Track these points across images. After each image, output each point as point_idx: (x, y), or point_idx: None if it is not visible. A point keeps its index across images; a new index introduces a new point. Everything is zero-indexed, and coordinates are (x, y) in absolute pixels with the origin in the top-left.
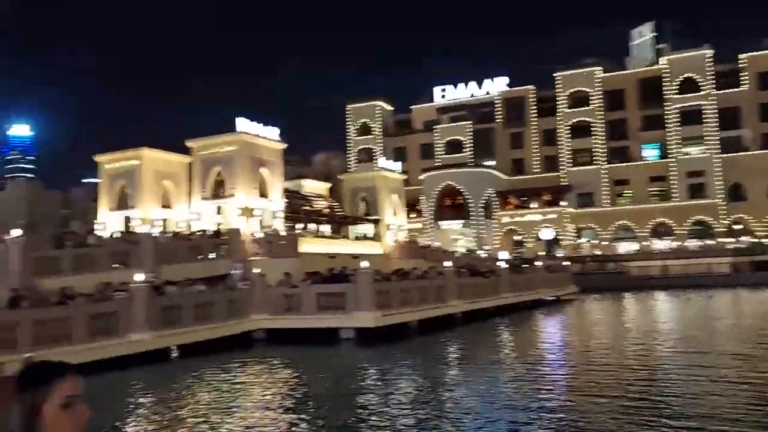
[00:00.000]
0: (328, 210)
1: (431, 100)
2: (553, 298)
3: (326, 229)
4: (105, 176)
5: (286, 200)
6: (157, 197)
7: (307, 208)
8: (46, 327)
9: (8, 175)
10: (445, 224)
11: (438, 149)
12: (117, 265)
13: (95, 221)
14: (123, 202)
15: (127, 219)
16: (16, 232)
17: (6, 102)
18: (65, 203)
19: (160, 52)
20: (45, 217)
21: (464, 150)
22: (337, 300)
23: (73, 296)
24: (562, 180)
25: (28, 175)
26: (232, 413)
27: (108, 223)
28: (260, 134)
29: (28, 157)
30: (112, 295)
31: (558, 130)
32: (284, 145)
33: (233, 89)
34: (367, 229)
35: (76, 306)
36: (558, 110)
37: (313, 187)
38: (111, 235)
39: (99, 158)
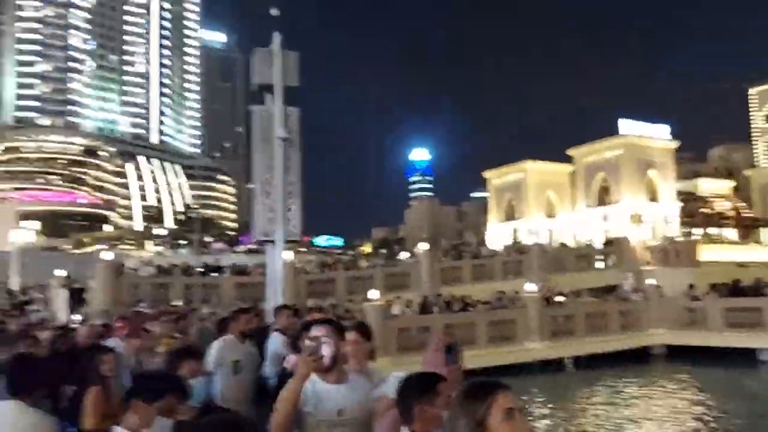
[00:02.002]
0: (732, 212)
1: None
2: None
3: (731, 233)
4: (493, 190)
5: (680, 203)
6: (541, 207)
7: (706, 210)
8: (452, 331)
9: (413, 195)
10: None
11: None
12: (510, 275)
13: (486, 233)
14: (510, 214)
15: (515, 230)
16: (423, 246)
17: (408, 127)
18: (459, 217)
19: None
20: (442, 231)
21: None
22: (752, 316)
23: (473, 304)
24: None
25: (428, 193)
26: (624, 428)
27: (497, 234)
28: (646, 134)
29: (427, 178)
30: (508, 303)
31: None
32: (675, 144)
33: (608, 89)
34: None
35: (478, 313)
36: None
37: (711, 186)
38: (502, 246)
39: (487, 174)
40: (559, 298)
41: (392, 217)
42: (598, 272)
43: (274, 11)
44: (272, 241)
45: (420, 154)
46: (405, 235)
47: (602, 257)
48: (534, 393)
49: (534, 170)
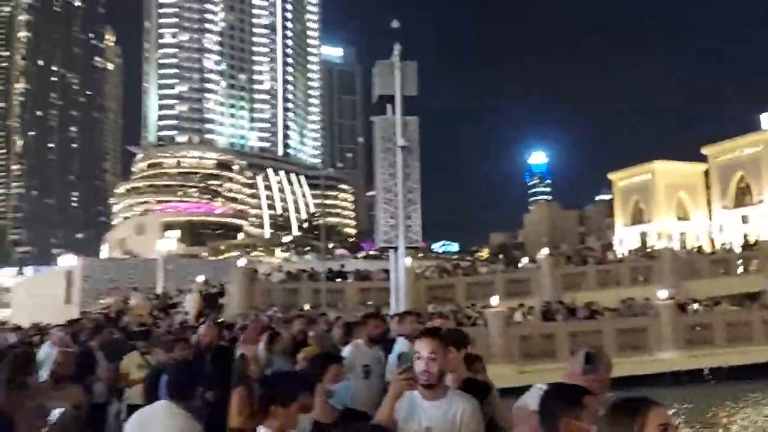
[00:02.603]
0: None
1: None
2: None
3: None
4: (618, 192)
5: None
6: (672, 209)
7: None
8: (577, 339)
9: (531, 199)
10: None
11: None
12: (638, 281)
13: (611, 237)
14: (638, 217)
15: (643, 234)
16: (545, 251)
17: (525, 130)
18: (580, 221)
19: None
20: (563, 236)
21: None
22: None
23: (599, 311)
24: None
25: (547, 197)
26: None
27: (624, 238)
28: None
29: (545, 182)
30: (638, 311)
31: None
32: None
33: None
34: None
35: (605, 320)
36: None
37: None
38: (629, 251)
39: (612, 175)
40: (695, 306)
41: (510, 222)
42: (738, 278)
43: (395, 24)
44: (394, 248)
45: (538, 158)
46: (524, 240)
47: (742, 262)
48: (675, 407)
49: (663, 170)
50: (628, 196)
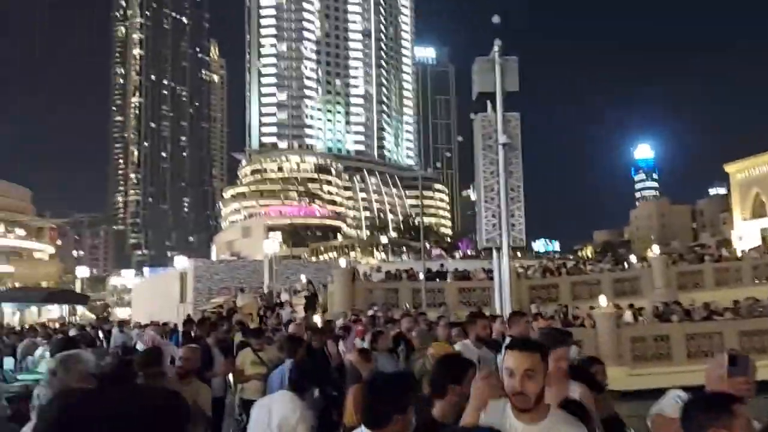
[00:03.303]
0: None
1: None
2: None
3: None
4: (736, 185)
5: None
6: None
7: None
8: (694, 341)
9: (638, 195)
10: None
11: None
12: (762, 280)
13: (728, 233)
14: (759, 211)
15: (765, 230)
16: (655, 249)
17: (630, 125)
18: (692, 216)
19: None
20: (673, 232)
21: None
22: None
23: (719, 311)
24: None
25: (654, 192)
26: None
27: (744, 234)
28: None
29: (652, 176)
30: (762, 312)
31: None
32: None
33: None
34: None
35: (725, 322)
36: None
37: None
38: (748, 249)
39: (729, 167)
40: None
41: (614, 219)
42: None
43: (495, 19)
44: (498, 248)
45: (643, 151)
46: (631, 238)
47: None
48: None
49: None
50: (748, 189)
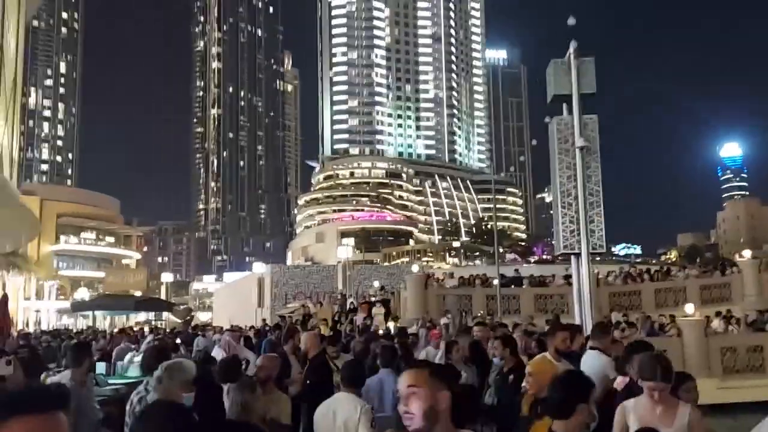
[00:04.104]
0: None
1: None
2: None
3: None
4: None
5: None
6: None
7: None
8: None
9: (725, 196)
10: None
11: None
12: None
13: None
14: None
15: None
16: (746, 253)
17: (715, 123)
18: None
19: None
20: (765, 234)
21: None
22: None
23: None
24: None
25: (743, 193)
26: None
27: None
28: None
29: (741, 176)
30: None
31: None
32: None
33: None
34: None
35: None
36: None
37: None
38: None
39: None
40: None
41: (701, 221)
42: None
43: (571, 20)
44: (577, 254)
45: (731, 150)
46: (718, 241)
47: None
48: None
49: None
50: None
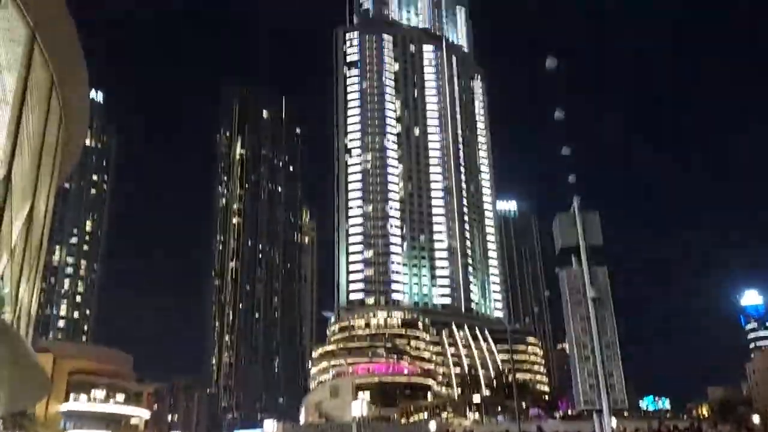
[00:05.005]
0: None
1: None
2: None
3: None
4: None
5: None
6: None
7: None
8: None
9: (752, 346)
10: None
11: None
12: None
13: None
14: None
15: None
16: None
17: (735, 270)
18: None
19: None
20: None
21: None
22: None
23: None
24: None
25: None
26: None
27: None
28: None
29: (765, 324)
30: None
31: None
32: None
33: None
34: None
35: None
36: None
37: None
38: None
39: None
40: None
41: (729, 371)
42: None
43: (571, 178)
44: (598, 410)
45: (751, 298)
46: (751, 394)
47: None
48: None
49: None
50: None
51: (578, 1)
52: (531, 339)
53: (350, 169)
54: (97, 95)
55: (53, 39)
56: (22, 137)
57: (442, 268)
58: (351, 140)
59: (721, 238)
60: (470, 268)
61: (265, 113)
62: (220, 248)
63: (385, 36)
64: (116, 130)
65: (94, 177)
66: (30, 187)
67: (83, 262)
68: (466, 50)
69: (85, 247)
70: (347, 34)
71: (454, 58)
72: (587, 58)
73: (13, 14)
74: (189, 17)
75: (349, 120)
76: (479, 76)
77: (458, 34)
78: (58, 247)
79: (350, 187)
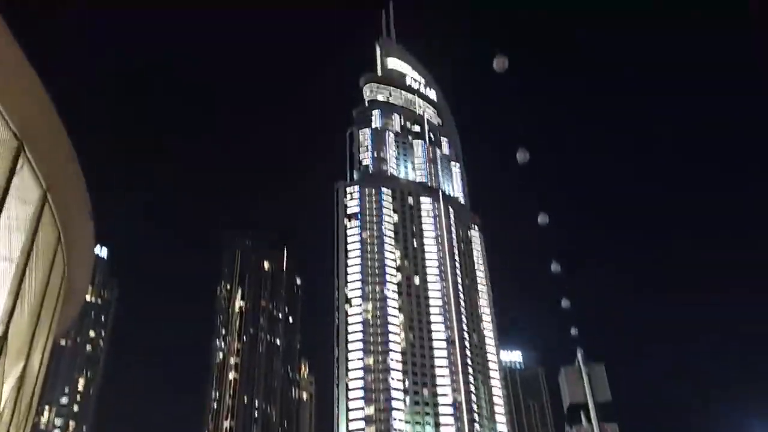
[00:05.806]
0: None
1: None
2: None
3: None
4: None
5: None
6: None
7: None
8: None
9: None
10: None
11: None
12: None
13: None
14: None
15: None
16: None
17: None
18: None
19: None
20: None
21: None
22: None
23: None
24: None
25: None
26: None
27: None
28: None
29: None
30: None
31: None
32: None
33: None
34: None
35: None
36: None
37: None
38: None
39: None
40: None
41: None
42: None
43: (573, 331)
44: None
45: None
46: None
47: None
48: None
49: None
50: None
51: (567, 162)
52: None
53: (350, 319)
54: (101, 250)
55: (64, 199)
56: (23, 294)
57: (447, 425)
58: (351, 289)
59: (738, 382)
60: (477, 425)
61: (266, 264)
62: (215, 406)
63: (384, 189)
64: (117, 284)
65: (91, 333)
66: (25, 345)
67: (71, 423)
68: (462, 202)
69: (75, 408)
70: (348, 188)
71: (451, 210)
72: (576, 218)
73: (28, 176)
74: (191, 174)
75: (350, 269)
76: (476, 226)
77: (454, 186)
78: (47, 406)
79: (350, 338)
